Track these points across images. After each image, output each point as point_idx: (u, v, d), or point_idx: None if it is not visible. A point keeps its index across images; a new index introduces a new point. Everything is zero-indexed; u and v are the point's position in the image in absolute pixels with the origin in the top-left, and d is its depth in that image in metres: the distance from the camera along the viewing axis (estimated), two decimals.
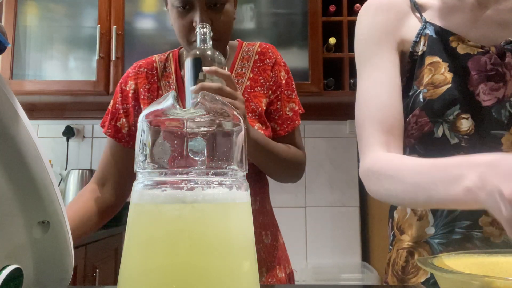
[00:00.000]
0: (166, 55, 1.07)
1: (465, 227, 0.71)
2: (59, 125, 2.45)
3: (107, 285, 1.88)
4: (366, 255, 2.37)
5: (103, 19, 2.15)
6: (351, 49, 2.19)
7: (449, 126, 0.72)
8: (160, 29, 2.21)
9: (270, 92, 1.02)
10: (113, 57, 2.11)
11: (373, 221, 2.33)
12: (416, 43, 0.77)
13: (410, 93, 0.76)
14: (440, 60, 0.74)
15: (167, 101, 0.37)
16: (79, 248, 1.71)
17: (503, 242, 0.70)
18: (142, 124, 0.37)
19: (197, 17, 0.91)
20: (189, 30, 0.93)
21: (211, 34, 0.86)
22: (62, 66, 2.23)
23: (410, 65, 0.77)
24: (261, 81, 1.01)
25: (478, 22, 0.76)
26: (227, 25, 0.97)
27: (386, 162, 0.67)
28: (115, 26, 2.13)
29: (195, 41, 0.90)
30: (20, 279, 0.40)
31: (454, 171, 0.54)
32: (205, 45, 0.85)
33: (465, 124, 0.71)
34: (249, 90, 1.00)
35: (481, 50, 0.73)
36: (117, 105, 1.02)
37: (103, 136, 1.27)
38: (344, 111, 2.43)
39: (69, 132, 2.44)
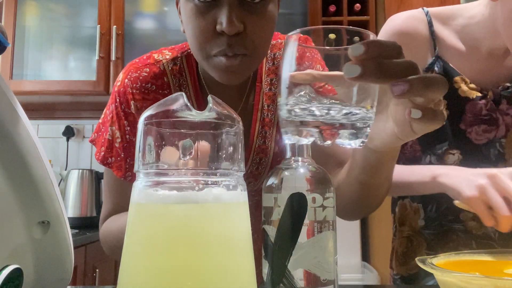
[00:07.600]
0: (178, 63, 0.77)
1: (449, 221, 0.83)
2: (59, 125, 2.46)
3: (107, 285, 1.88)
4: (366, 255, 2.37)
5: (103, 19, 2.15)
6: None
7: (437, 158, 0.83)
8: (160, 29, 2.21)
9: None
10: (113, 57, 2.11)
11: (373, 221, 2.33)
12: None
13: None
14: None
15: (167, 100, 0.37)
16: (79, 248, 1.71)
17: (483, 234, 0.79)
18: (142, 124, 0.37)
19: (223, 16, 0.61)
20: (210, 35, 0.63)
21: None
22: (62, 66, 2.23)
23: None
24: None
25: (490, 71, 0.82)
26: (266, 34, 0.66)
27: None
28: (115, 26, 2.13)
29: (216, 55, 0.63)
30: (20, 279, 0.40)
31: (426, 169, 0.75)
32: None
33: (452, 158, 0.82)
34: None
35: (480, 94, 0.80)
36: (127, 136, 0.74)
37: None
38: None
39: (69, 132, 2.44)
